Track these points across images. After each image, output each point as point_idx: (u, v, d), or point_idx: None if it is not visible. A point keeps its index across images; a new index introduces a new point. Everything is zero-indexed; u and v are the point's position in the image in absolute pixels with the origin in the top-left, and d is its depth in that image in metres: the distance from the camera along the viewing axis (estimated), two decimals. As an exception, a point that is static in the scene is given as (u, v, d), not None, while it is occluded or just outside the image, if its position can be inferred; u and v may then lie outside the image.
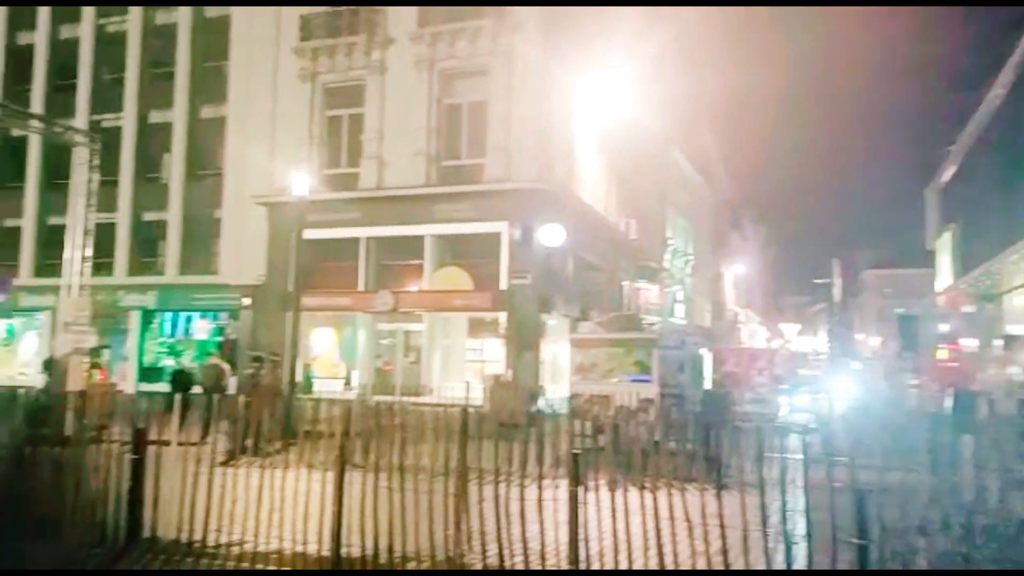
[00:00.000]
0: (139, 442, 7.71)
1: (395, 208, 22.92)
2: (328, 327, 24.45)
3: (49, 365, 16.70)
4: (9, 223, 28.97)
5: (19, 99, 27.35)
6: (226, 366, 18.79)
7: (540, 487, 6.68)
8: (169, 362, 26.76)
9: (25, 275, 27.48)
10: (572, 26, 23.95)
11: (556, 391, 20.43)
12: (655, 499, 6.43)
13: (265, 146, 24.67)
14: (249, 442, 8.67)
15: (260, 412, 10.00)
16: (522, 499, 6.62)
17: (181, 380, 18.89)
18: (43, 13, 29.03)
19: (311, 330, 23.69)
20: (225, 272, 25.78)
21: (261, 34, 25.50)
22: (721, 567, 6.15)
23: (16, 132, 27.45)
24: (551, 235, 21.81)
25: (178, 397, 8.67)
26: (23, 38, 29.50)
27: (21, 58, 29.27)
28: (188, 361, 25.33)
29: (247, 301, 24.98)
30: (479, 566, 6.66)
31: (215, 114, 26.75)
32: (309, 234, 19.99)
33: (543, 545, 6.47)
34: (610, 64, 26.39)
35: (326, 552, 6.89)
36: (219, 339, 26.09)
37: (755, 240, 71.72)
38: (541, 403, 17.67)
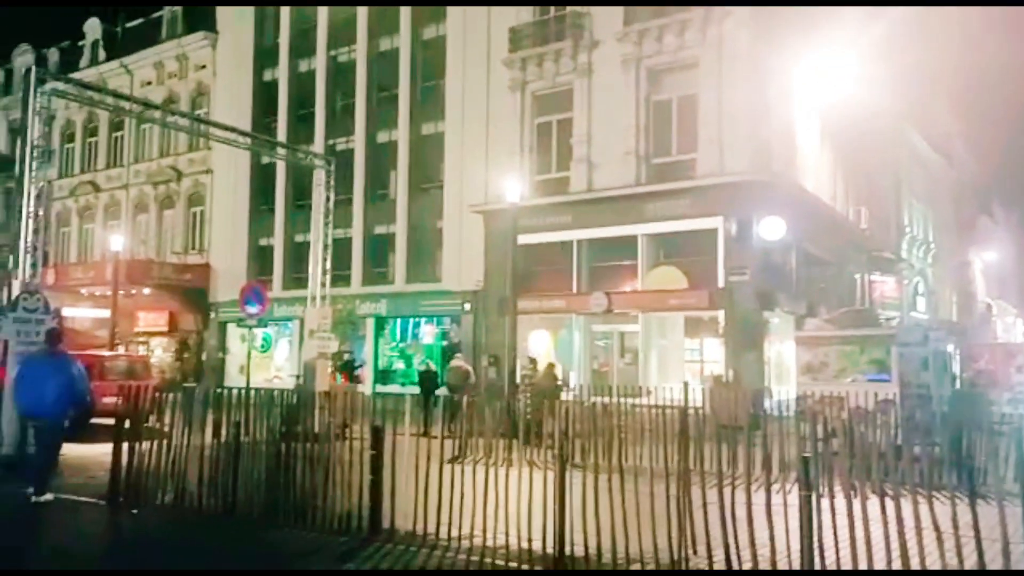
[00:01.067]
0: (377, 439, 8.28)
1: (606, 209, 22.96)
2: (544, 329, 24.94)
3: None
4: (263, 242, 32.33)
5: (267, 130, 30.48)
6: (469, 368, 19.92)
7: (768, 492, 6.37)
8: (400, 365, 28.61)
9: (277, 288, 30.46)
10: (788, 6, 22.73)
11: (782, 392, 19.45)
12: (898, 507, 5.92)
13: (480, 157, 25.67)
14: (479, 441, 9.02)
15: (541, 412, 10.43)
16: (749, 503, 6.36)
17: (428, 381, 20.27)
18: (283, 50, 32.11)
19: (528, 332, 24.27)
20: (447, 279, 27.10)
21: (473, 50, 26.60)
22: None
23: (265, 160, 30.64)
24: (770, 228, 20.84)
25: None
26: (268, 75, 32.81)
27: (268, 93, 32.57)
28: (418, 362, 26.87)
29: (468, 306, 26.13)
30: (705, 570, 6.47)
31: (434, 130, 28.23)
32: (523, 239, 20.51)
33: (773, 552, 6.17)
34: (834, 41, 24.71)
35: (550, 550, 7.01)
36: (444, 343, 27.48)
37: (1007, 225, 64.27)
38: (766, 404, 16.92)
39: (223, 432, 9.53)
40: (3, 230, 40.36)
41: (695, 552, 6.59)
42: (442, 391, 20.28)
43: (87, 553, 7.80)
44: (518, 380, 18.74)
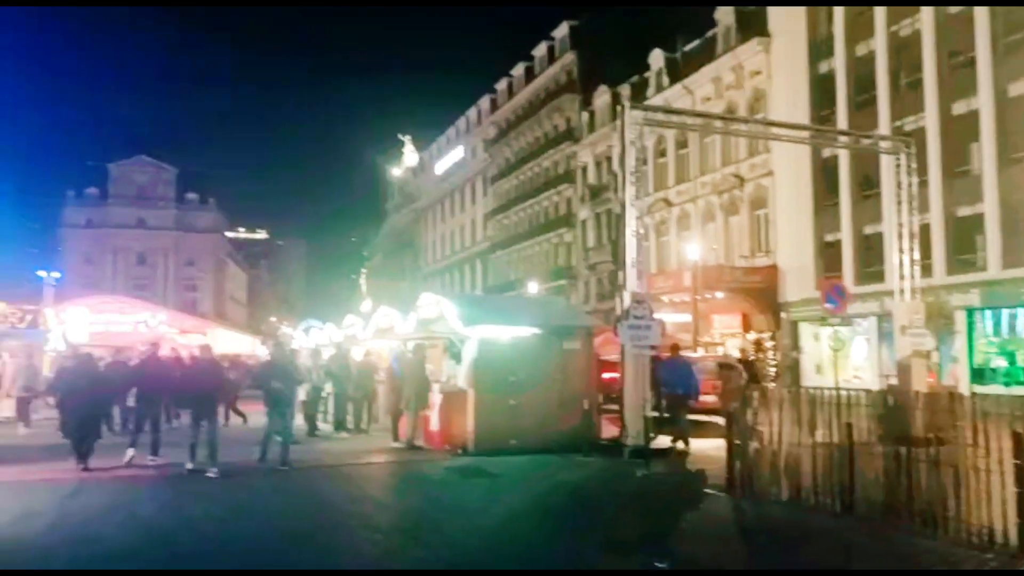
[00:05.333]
0: (1019, 446, 7.31)
1: None
2: None
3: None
4: (829, 237, 31.59)
5: (825, 123, 29.74)
6: None
7: None
8: (1001, 362, 25.14)
9: (848, 283, 29.35)
10: None
11: None
12: None
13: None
14: None
15: None
16: None
17: None
18: (838, 38, 31.07)
19: None
20: (1060, 261, 22.97)
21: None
22: None
23: (826, 153, 29.92)
24: None
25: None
26: (823, 67, 32.03)
27: (823, 86, 31.82)
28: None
29: (1091, 291, 21.72)
30: None
31: (1024, 90, 24.32)
32: None
33: None
34: None
35: None
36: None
37: None
38: None
39: (832, 431, 9.45)
40: (598, 249, 46.94)
41: None
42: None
43: (715, 536, 8.43)
44: None
